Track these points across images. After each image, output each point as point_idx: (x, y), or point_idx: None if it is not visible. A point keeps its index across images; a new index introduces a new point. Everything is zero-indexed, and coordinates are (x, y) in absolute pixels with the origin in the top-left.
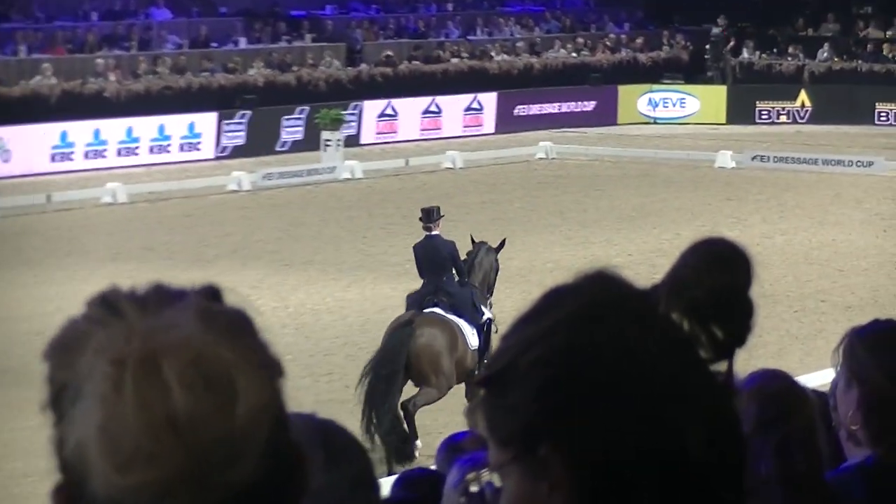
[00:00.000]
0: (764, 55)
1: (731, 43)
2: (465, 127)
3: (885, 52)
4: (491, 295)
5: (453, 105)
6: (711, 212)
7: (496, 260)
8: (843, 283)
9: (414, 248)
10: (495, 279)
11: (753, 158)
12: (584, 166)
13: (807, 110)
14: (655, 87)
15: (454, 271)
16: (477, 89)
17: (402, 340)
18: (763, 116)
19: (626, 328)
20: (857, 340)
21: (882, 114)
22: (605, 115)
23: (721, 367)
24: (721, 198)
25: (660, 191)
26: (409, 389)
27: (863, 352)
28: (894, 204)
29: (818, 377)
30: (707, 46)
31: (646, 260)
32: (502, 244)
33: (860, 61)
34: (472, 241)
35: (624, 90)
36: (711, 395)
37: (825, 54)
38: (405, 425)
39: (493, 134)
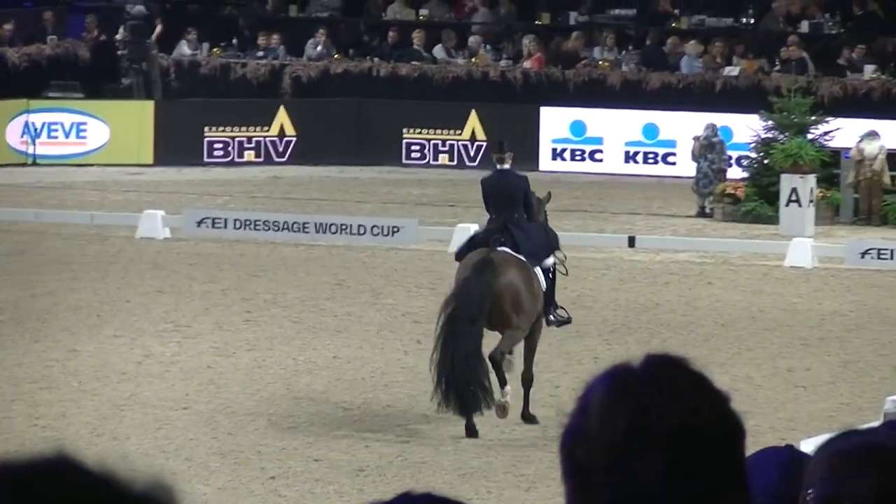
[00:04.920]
0: (218, 49)
1: (159, 29)
2: None
3: (416, 43)
4: None
5: None
6: (131, 313)
7: (546, 213)
8: (349, 432)
9: (482, 181)
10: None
11: (200, 223)
12: None
13: (289, 141)
14: (35, 103)
15: (524, 209)
16: None
17: (485, 281)
18: (217, 152)
19: None
20: None
21: (413, 147)
22: None
23: None
24: (148, 289)
25: (45, 278)
26: None
27: None
28: (434, 294)
29: None
30: (118, 37)
31: (22, 400)
32: (549, 197)
33: (376, 59)
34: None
35: None
36: None
37: (319, 48)
38: (486, 376)
39: None
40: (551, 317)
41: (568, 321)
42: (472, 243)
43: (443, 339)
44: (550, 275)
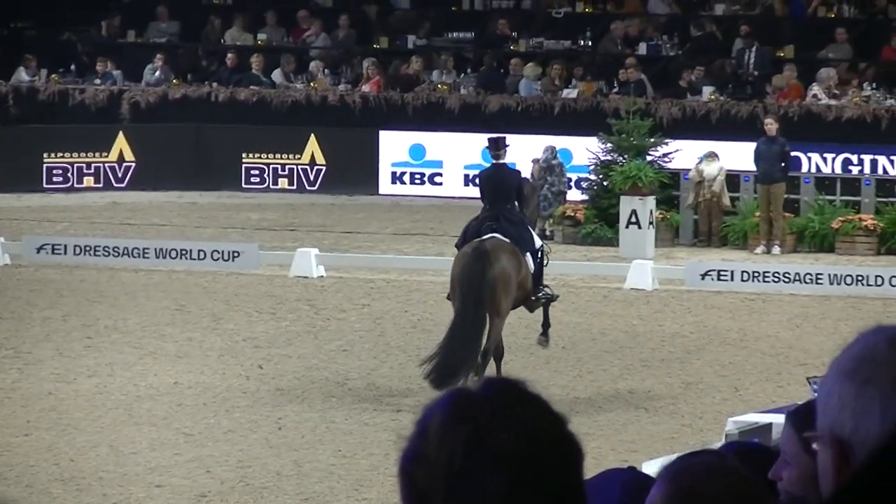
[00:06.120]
0: (56, 75)
1: None
2: None
3: (254, 67)
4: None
5: None
6: None
7: (537, 195)
8: (191, 457)
9: (480, 174)
10: (536, 214)
11: (40, 249)
12: None
13: (128, 166)
14: None
15: (516, 201)
16: None
17: (480, 273)
18: (56, 178)
19: None
20: None
21: (252, 171)
22: None
23: None
24: None
25: None
26: None
27: None
28: (274, 319)
29: None
30: None
31: None
32: (533, 189)
33: (215, 84)
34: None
35: None
36: None
37: (157, 73)
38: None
39: None
40: (540, 294)
41: (554, 297)
42: (467, 232)
43: (455, 323)
44: (538, 256)
